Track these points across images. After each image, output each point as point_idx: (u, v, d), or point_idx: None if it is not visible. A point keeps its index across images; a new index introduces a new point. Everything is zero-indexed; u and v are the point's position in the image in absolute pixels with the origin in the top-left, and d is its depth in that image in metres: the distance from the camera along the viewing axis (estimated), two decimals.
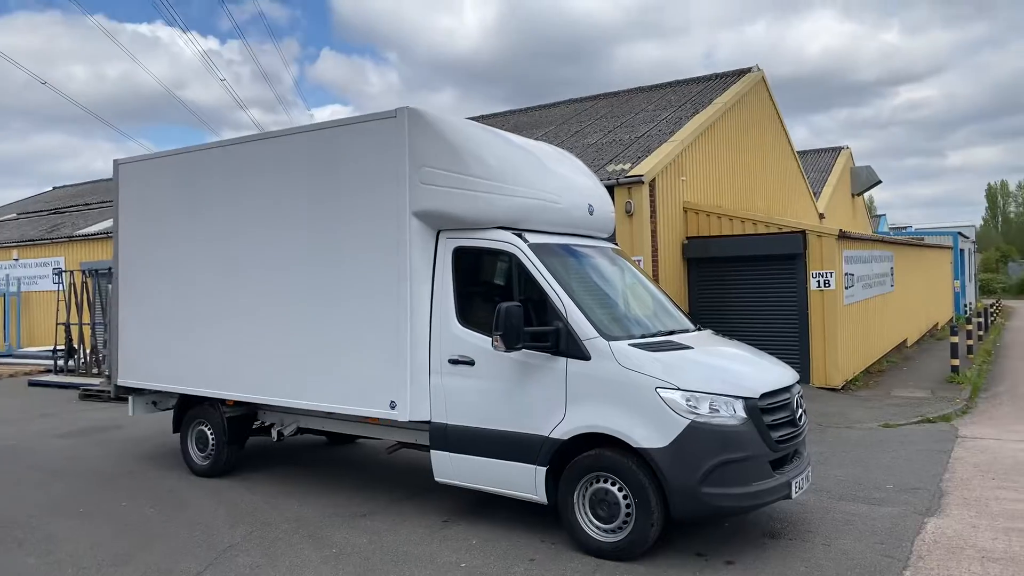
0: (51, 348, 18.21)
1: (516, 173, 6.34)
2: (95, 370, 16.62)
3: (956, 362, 14.09)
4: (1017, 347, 19.93)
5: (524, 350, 5.60)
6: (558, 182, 6.75)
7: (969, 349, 16.67)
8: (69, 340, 17.45)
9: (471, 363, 5.94)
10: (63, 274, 19.15)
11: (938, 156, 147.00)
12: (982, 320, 21.86)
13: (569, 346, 5.52)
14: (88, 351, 17.16)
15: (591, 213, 6.95)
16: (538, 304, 5.77)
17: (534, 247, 5.96)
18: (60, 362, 17.41)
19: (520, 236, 6.02)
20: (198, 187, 7.88)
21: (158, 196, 8.30)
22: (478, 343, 5.90)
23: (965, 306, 30.14)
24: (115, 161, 8.82)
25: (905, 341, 18.38)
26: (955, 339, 14.42)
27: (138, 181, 8.56)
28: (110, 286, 9.10)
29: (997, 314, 30.04)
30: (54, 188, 34.66)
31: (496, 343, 5.51)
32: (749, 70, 19.03)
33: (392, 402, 6.19)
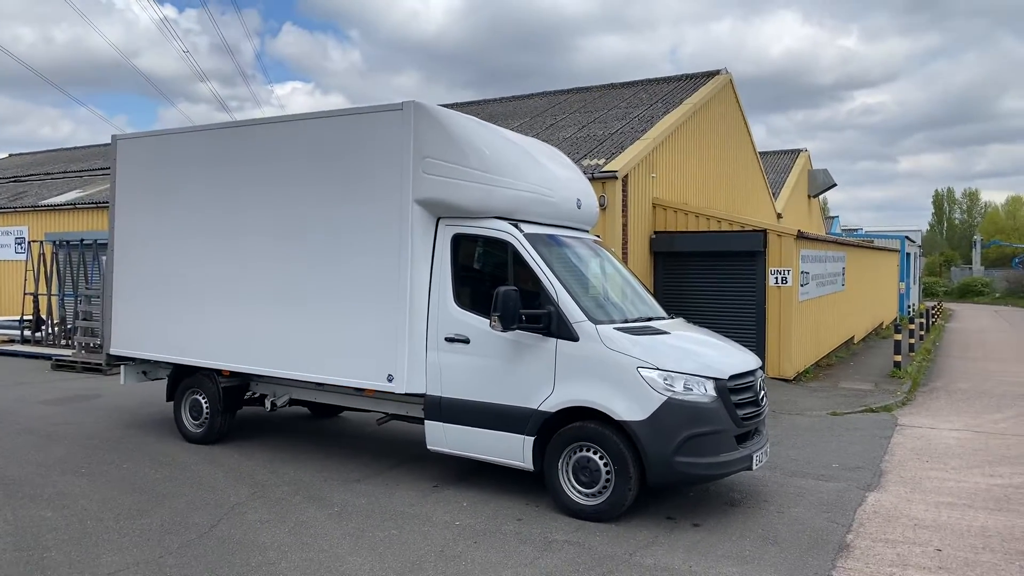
0: (14, 318, 18.09)
1: (512, 167, 6.83)
2: (64, 341, 16.64)
3: (899, 358, 15.06)
4: (955, 346, 21.18)
5: (517, 330, 6.13)
6: (550, 176, 7.27)
7: (911, 347, 17.73)
8: (37, 311, 17.40)
9: (466, 341, 6.45)
10: (30, 245, 18.99)
11: (890, 161, 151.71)
12: (924, 320, 23.09)
13: (560, 328, 6.07)
14: (55, 322, 17.13)
15: (579, 207, 7.50)
16: (530, 289, 6.30)
17: (529, 236, 6.47)
18: (27, 332, 17.35)
19: (516, 226, 6.53)
20: (199, 166, 8.17)
21: (156, 172, 8.57)
22: (473, 323, 6.41)
23: (909, 307, 31.62)
24: (113, 136, 9.05)
25: (852, 338, 19.43)
26: (899, 337, 15.40)
27: (136, 157, 8.81)
28: (103, 257, 9.34)
29: (938, 315, 31.57)
30: (10, 155, 33.99)
31: (494, 323, 6.02)
32: (718, 72, 19.76)
33: (390, 375, 6.66)
